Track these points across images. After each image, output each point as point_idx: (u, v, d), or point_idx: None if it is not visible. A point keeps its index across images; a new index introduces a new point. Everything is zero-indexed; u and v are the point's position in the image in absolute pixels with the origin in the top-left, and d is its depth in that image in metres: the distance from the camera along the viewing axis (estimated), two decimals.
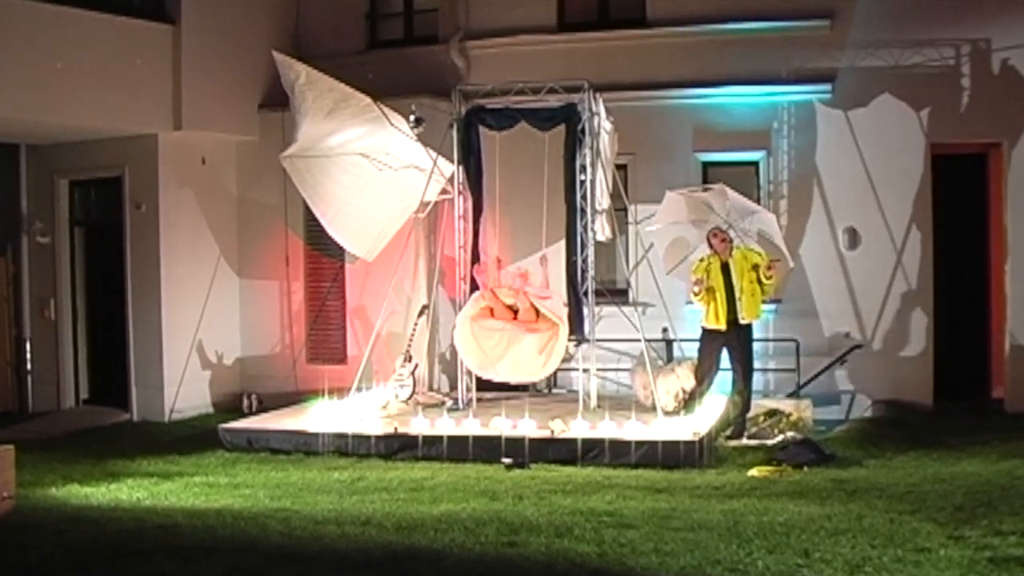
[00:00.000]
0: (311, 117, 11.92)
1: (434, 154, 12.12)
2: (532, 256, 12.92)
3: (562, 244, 12.09)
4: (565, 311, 11.67)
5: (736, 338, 11.03)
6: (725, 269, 11.01)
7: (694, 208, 12.14)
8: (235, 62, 14.18)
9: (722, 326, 11.00)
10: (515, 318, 11.81)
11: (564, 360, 11.99)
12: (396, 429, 10.85)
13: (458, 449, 10.39)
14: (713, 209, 11.93)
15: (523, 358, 11.60)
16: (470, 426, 10.77)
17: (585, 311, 11.75)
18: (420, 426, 10.84)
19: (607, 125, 12.01)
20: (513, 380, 12.03)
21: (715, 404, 11.47)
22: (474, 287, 12.17)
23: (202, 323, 14.24)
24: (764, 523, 6.57)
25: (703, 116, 13.62)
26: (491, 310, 11.87)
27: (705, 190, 12.32)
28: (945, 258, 13.23)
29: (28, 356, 14.70)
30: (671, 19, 13.73)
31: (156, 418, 13.69)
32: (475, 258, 12.20)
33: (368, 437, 10.79)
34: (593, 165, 11.68)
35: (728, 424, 11.24)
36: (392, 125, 12.11)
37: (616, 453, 9.95)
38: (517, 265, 12.46)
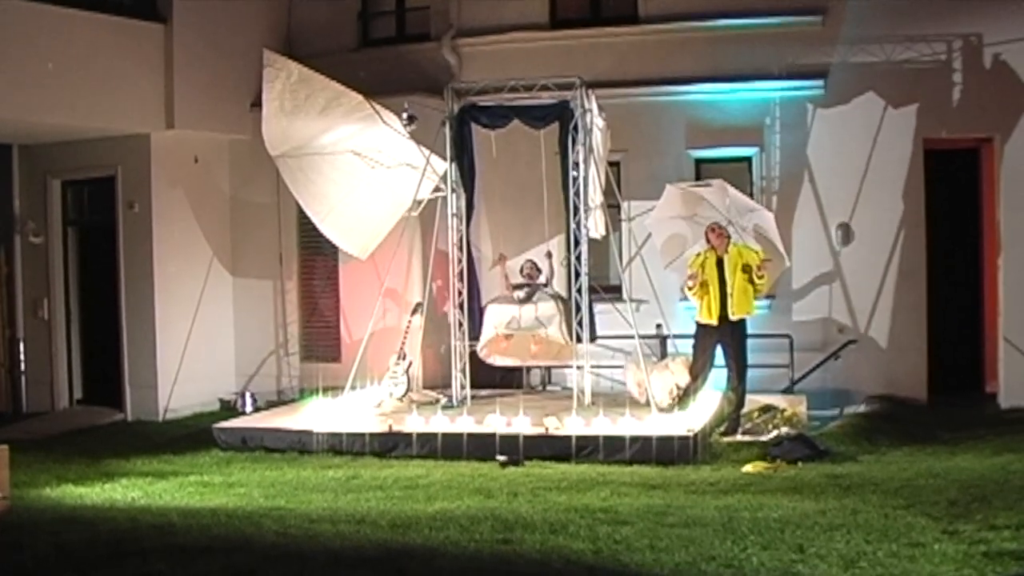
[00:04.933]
0: (303, 116, 11.92)
1: (427, 152, 12.12)
2: (525, 254, 12.94)
3: (556, 240, 12.09)
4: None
5: (729, 334, 11.04)
6: (720, 265, 11.01)
7: (693, 203, 12.14)
8: (227, 61, 14.15)
9: (713, 321, 11.01)
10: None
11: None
12: (391, 427, 10.86)
13: (453, 447, 10.38)
14: (712, 204, 11.93)
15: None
16: (464, 424, 10.75)
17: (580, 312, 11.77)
18: (414, 424, 10.84)
19: (600, 122, 12.00)
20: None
21: (709, 400, 11.47)
22: (471, 289, 12.23)
23: (196, 322, 14.22)
24: (759, 519, 6.57)
25: (696, 112, 13.63)
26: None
27: (704, 186, 12.32)
28: (938, 253, 13.25)
29: (22, 356, 14.66)
30: (663, 15, 13.73)
31: (150, 418, 13.68)
32: (469, 257, 12.23)
33: (362, 435, 10.79)
34: (586, 162, 11.68)
35: (722, 420, 11.24)
36: (385, 123, 12.10)
37: (610, 450, 9.95)
38: (528, 259, 12.50)
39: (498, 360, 12.21)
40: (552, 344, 11.92)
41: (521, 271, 12.36)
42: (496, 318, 12.09)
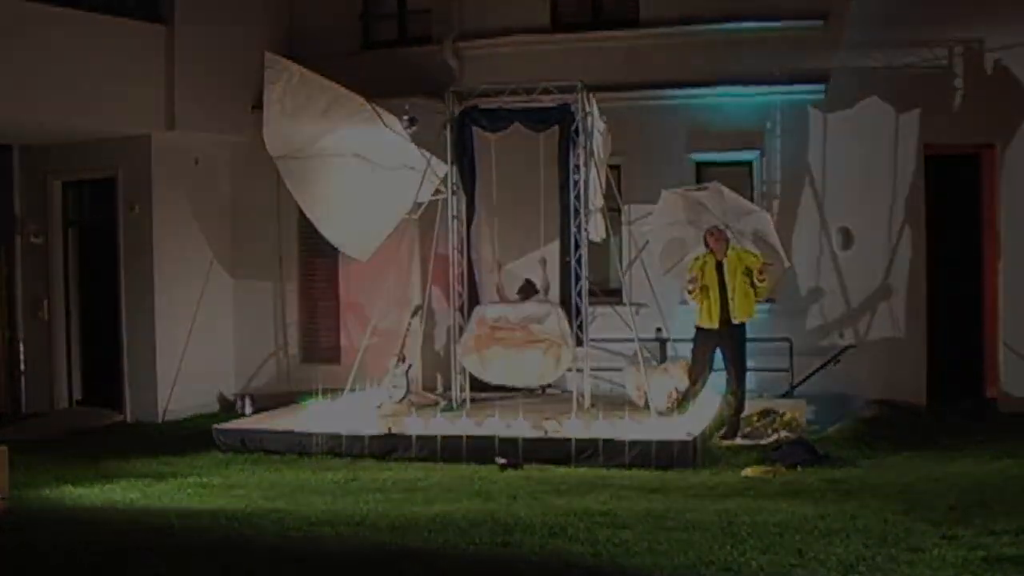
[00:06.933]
0: (305, 118, 11.93)
1: (428, 154, 12.12)
2: (525, 256, 12.95)
3: (556, 244, 12.10)
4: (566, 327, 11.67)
5: (729, 338, 11.04)
6: (719, 268, 11.01)
7: (690, 208, 12.14)
8: (228, 62, 14.14)
9: (715, 325, 11.00)
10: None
11: None
12: (390, 429, 10.86)
13: (452, 449, 10.38)
14: (709, 209, 11.94)
15: (527, 368, 11.71)
16: (464, 426, 10.76)
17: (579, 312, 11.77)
18: (414, 426, 10.84)
19: (600, 125, 12.01)
20: (521, 385, 12.29)
21: (709, 404, 11.47)
22: (471, 291, 12.22)
23: (196, 324, 14.19)
24: (758, 523, 6.58)
25: (697, 116, 13.62)
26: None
27: (700, 189, 12.34)
28: (938, 258, 13.25)
29: (21, 357, 14.66)
30: (665, 19, 13.72)
31: (150, 419, 13.66)
32: (469, 259, 12.23)
33: (362, 437, 10.79)
34: (587, 165, 11.68)
35: (722, 424, 11.24)
36: (385, 125, 12.10)
37: (610, 453, 9.95)
38: (527, 279, 12.46)
39: (475, 364, 11.96)
40: (544, 345, 11.73)
41: (519, 291, 12.34)
42: (483, 314, 11.99)
